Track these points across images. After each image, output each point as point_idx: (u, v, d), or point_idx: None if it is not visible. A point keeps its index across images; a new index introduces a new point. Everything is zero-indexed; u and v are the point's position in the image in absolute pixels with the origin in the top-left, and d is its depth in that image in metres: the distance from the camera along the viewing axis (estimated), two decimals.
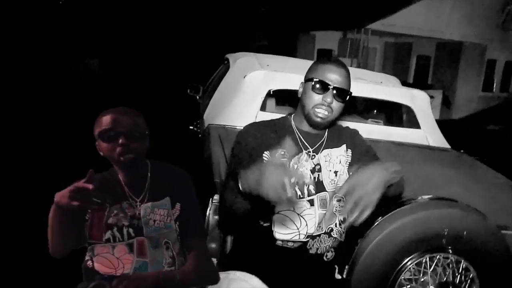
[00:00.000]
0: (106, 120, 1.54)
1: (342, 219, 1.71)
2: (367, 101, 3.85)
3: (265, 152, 1.66)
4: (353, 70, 4.25)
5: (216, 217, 1.96)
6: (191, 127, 3.72)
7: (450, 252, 2.18)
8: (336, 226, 1.70)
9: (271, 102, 3.16)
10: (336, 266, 1.83)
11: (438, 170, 2.72)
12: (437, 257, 2.18)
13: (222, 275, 1.56)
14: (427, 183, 2.53)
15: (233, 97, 2.94)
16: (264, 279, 1.53)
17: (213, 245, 1.95)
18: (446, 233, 2.13)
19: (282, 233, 1.62)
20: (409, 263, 2.15)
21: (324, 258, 1.69)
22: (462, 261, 2.19)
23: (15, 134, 6.18)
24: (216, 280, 1.61)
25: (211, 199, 1.98)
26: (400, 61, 13.99)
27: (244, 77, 2.93)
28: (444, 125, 4.56)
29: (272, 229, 1.63)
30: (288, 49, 12.15)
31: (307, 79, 1.69)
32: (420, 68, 13.65)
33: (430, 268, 2.17)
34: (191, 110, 4.33)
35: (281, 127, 1.75)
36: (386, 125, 3.44)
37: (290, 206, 1.63)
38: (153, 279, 1.47)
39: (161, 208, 1.67)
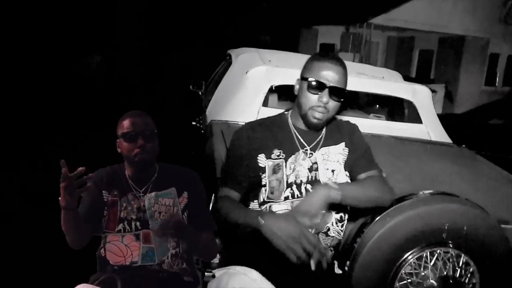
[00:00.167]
0: (127, 123, 1.72)
1: (339, 218, 1.71)
2: (369, 96, 3.85)
3: (259, 155, 1.67)
4: (355, 65, 4.26)
5: None
6: (193, 123, 3.73)
7: (451, 246, 2.20)
8: (333, 225, 1.69)
9: (274, 98, 3.16)
10: (335, 262, 1.84)
11: (439, 164, 2.73)
12: (438, 251, 2.20)
13: (222, 270, 1.58)
14: (428, 177, 2.54)
15: (236, 92, 2.95)
16: (264, 274, 1.53)
17: (216, 240, 1.97)
18: (446, 227, 2.15)
19: None
20: (410, 257, 2.17)
21: None
22: (462, 255, 2.21)
23: (15, 131, 6.18)
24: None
25: (213, 194, 1.99)
26: (403, 55, 13.95)
27: (246, 73, 2.93)
28: (446, 119, 4.56)
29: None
30: (290, 44, 12.10)
31: (303, 78, 1.67)
32: (423, 62, 13.61)
33: (430, 263, 2.19)
34: (193, 105, 4.33)
35: (278, 125, 1.74)
36: (388, 120, 3.45)
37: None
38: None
39: (166, 197, 1.77)
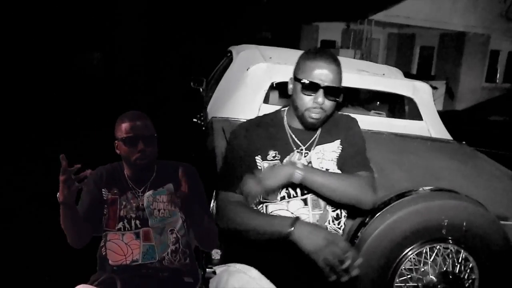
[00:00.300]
0: (126, 127, 1.70)
1: (335, 216, 1.69)
2: (369, 93, 3.86)
3: (256, 157, 1.66)
4: (355, 62, 4.26)
5: None
6: (194, 120, 3.73)
7: (450, 242, 2.20)
8: (329, 224, 1.67)
9: (274, 95, 3.17)
10: None
11: (439, 161, 2.74)
12: (437, 247, 2.21)
13: (222, 267, 1.59)
14: (428, 174, 2.55)
15: (236, 89, 2.96)
16: (263, 272, 1.52)
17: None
18: (446, 224, 2.16)
19: None
20: (409, 253, 2.18)
21: None
22: (462, 251, 2.22)
23: (15, 130, 6.18)
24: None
25: (215, 191, 2.00)
26: (404, 52, 13.92)
27: (247, 70, 2.94)
28: (447, 116, 4.57)
29: None
30: (291, 40, 12.10)
31: (296, 78, 1.63)
32: (424, 59, 13.59)
33: (430, 258, 2.20)
34: (194, 103, 4.34)
35: (273, 125, 1.72)
36: (388, 116, 3.46)
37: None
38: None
39: (162, 195, 1.78)
